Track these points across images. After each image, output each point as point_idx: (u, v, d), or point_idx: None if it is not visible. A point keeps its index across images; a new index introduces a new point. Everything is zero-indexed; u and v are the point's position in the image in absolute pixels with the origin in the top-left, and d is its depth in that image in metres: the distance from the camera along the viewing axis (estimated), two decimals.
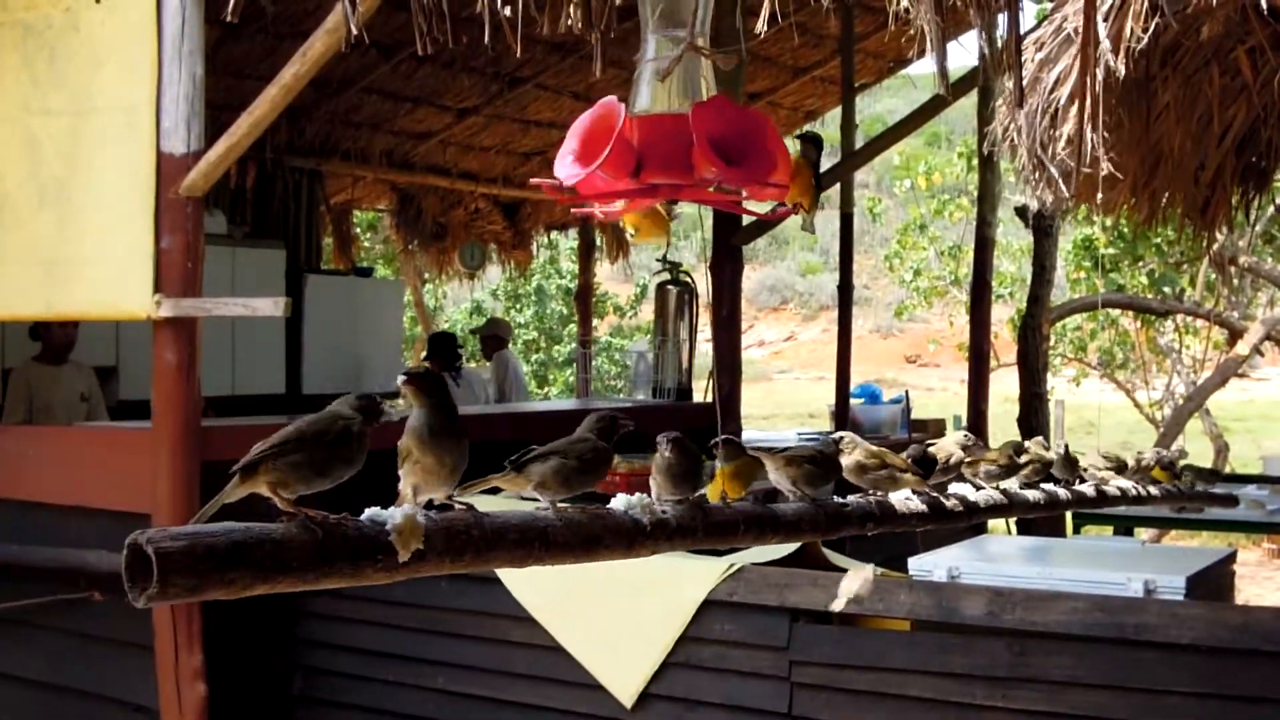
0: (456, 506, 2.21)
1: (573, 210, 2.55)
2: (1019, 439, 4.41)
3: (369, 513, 2.03)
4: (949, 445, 3.61)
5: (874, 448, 3.30)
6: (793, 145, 2.68)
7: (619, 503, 2.48)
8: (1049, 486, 4.12)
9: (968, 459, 3.65)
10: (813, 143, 3.03)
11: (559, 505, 2.37)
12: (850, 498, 3.10)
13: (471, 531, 2.13)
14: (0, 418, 7.52)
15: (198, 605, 5.18)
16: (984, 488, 3.68)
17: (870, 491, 3.20)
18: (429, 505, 2.19)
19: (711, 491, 2.79)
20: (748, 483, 2.92)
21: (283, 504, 2.02)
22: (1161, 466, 5.11)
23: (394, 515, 2.02)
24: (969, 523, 3.59)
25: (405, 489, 2.24)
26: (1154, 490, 4.90)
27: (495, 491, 2.55)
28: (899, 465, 3.28)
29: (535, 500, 2.43)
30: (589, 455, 2.46)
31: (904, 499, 3.23)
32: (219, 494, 2.08)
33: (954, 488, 3.51)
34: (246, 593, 1.84)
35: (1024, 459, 4.00)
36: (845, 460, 3.19)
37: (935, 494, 3.36)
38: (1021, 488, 3.91)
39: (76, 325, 7.53)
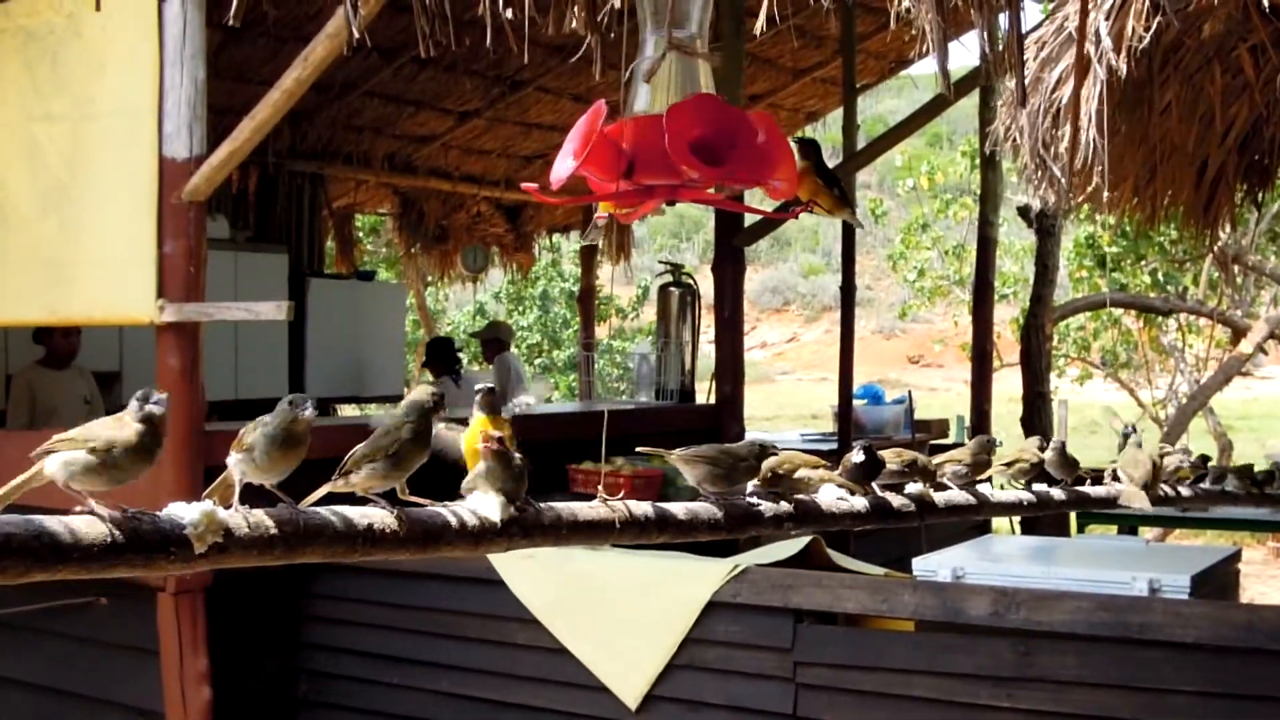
0: (280, 500, 2.29)
1: (597, 218, 2.55)
2: (1029, 438, 4.41)
3: (170, 508, 2.10)
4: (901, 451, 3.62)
5: (793, 453, 3.30)
6: None
7: (473, 499, 2.49)
8: (1040, 487, 4.13)
9: (934, 460, 3.65)
10: (807, 145, 3.03)
11: (403, 499, 2.44)
12: (765, 500, 3.09)
13: (282, 527, 2.19)
14: (4, 423, 7.52)
15: (202, 609, 5.19)
16: (950, 488, 3.67)
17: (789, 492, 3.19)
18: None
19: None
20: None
21: (77, 496, 2.14)
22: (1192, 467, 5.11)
23: (191, 511, 2.09)
24: (922, 522, 3.58)
25: (234, 472, 2.35)
26: (1184, 490, 4.91)
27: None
28: (814, 465, 3.28)
29: None
30: (395, 449, 2.48)
31: (836, 499, 3.22)
32: (15, 480, 2.24)
33: (911, 488, 3.50)
34: (24, 579, 1.90)
35: (1011, 459, 4.00)
36: (762, 464, 3.17)
37: (881, 494, 3.35)
38: (1007, 487, 3.92)
39: (79, 333, 7.53)
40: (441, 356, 10.79)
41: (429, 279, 15.92)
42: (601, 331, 21.17)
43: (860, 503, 3.26)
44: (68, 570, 1.94)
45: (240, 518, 2.15)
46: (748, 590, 4.68)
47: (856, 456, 3.40)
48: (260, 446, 2.32)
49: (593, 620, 4.99)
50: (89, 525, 1.98)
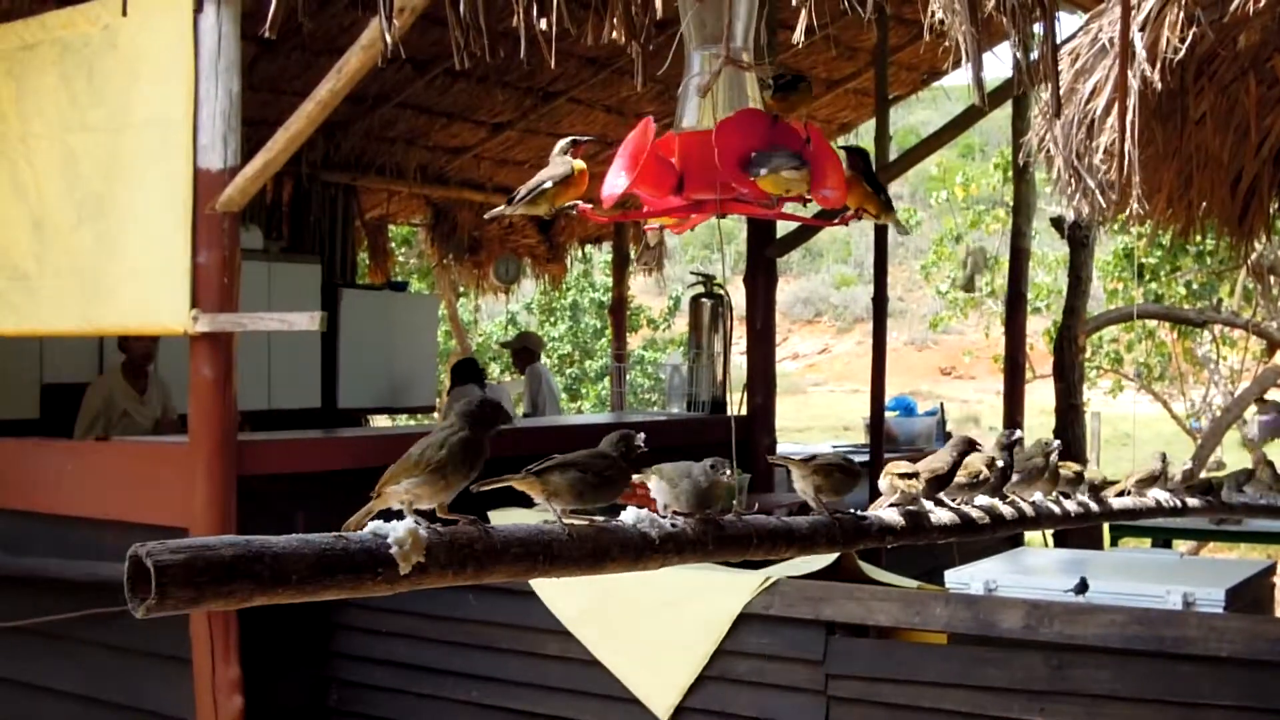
0: (460, 521, 2.23)
1: (646, 229, 2.56)
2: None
3: (371, 526, 2.06)
4: (977, 460, 3.59)
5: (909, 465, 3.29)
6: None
7: (628, 516, 2.49)
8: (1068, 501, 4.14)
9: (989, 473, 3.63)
10: (855, 154, 3.02)
11: (567, 518, 2.39)
12: (871, 511, 3.09)
13: (475, 545, 2.17)
14: (76, 420, 7.62)
15: (234, 618, 5.21)
16: (1013, 500, 3.68)
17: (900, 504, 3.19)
18: (432, 518, 2.22)
19: None
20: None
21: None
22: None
23: (396, 529, 2.06)
24: (995, 533, 3.58)
25: (399, 500, 2.29)
26: (1193, 502, 4.90)
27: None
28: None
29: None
30: (608, 472, 2.47)
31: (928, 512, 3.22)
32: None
33: (980, 499, 3.50)
34: (247, 603, 1.88)
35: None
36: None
37: (965, 508, 3.35)
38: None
39: (156, 338, 7.59)
40: (468, 374, 10.94)
41: (461, 290, 15.96)
42: (633, 342, 21.18)
43: (946, 516, 3.26)
44: (285, 595, 1.91)
45: (439, 536, 2.11)
46: (779, 602, 4.67)
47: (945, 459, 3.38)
48: (451, 460, 2.27)
49: (624, 631, 4.99)
50: (302, 546, 1.94)
